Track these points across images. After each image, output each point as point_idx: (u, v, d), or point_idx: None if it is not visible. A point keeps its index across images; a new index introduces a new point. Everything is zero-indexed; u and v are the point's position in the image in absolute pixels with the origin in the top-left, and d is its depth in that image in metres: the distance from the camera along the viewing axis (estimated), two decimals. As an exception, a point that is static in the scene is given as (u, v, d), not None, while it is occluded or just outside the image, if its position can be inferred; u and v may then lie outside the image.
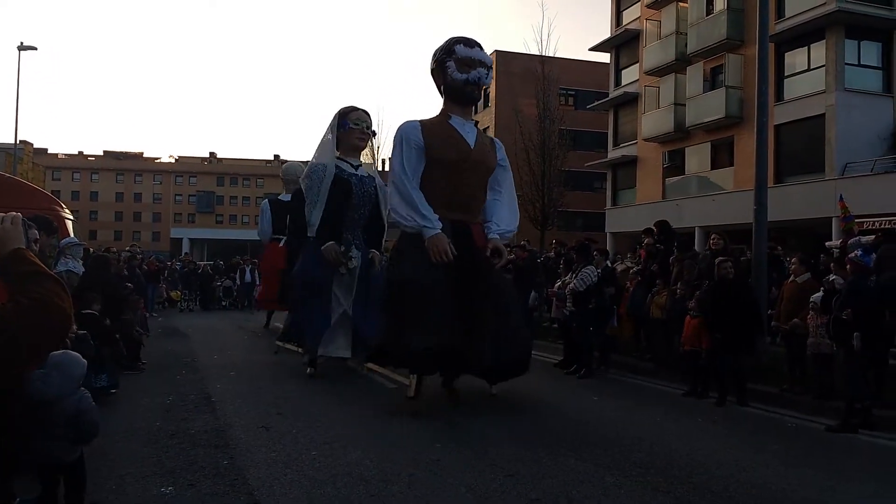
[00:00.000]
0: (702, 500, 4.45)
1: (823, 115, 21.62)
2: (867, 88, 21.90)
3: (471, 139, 7.59)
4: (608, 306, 9.75)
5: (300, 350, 9.90)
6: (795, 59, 22.98)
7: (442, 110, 7.84)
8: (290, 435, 5.95)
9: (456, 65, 7.53)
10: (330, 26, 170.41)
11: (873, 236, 9.65)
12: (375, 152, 10.61)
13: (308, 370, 9.11)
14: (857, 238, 9.23)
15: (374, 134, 10.16)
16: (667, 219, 12.45)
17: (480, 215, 7.81)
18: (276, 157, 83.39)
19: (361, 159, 10.24)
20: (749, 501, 4.48)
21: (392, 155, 7.56)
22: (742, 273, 8.63)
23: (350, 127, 9.58)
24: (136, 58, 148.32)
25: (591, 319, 9.49)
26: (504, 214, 7.84)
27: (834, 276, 7.35)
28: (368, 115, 9.85)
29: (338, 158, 9.51)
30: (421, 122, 7.60)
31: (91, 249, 12.98)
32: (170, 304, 22.40)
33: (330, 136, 9.59)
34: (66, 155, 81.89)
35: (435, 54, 7.79)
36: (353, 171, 9.55)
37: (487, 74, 7.70)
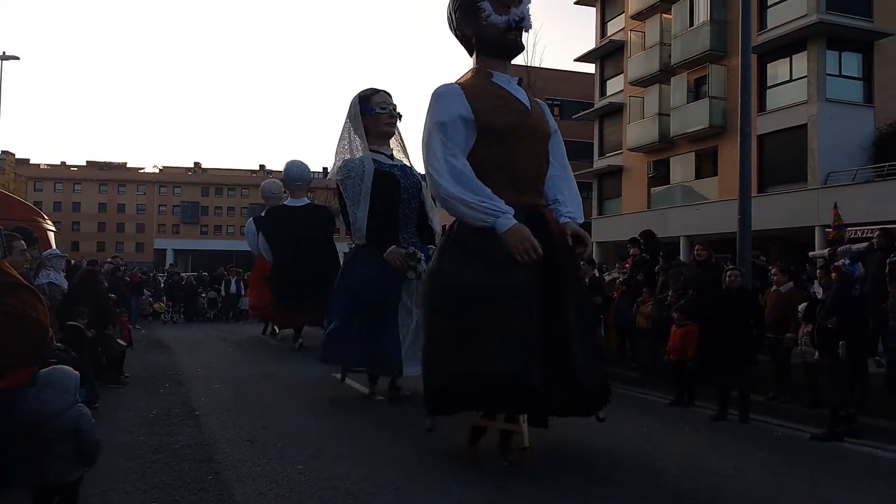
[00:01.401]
0: (689, 511, 4.45)
1: (806, 125, 21.91)
2: (848, 99, 22.23)
3: (524, 99, 5.83)
4: (595, 316, 9.79)
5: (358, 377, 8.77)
6: (778, 69, 23.28)
7: (477, 68, 5.91)
8: (276, 448, 5.89)
9: (492, 5, 5.64)
10: (315, 34, 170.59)
11: (865, 244, 9.73)
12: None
13: (378, 397, 8.27)
14: (848, 246, 9.31)
15: (400, 117, 8.86)
16: (652, 228, 12.53)
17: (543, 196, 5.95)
18: (262, 166, 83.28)
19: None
20: (736, 511, 4.48)
21: (426, 130, 5.52)
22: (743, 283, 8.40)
23: (376, 112, 8.49)
24: (119, 67, 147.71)
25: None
26: (571, 195, 5.94)
27: (816, 287, 7.40)
28: (390, 95, 8.75)
29: (371, 150, 8.44)
30: (460, 84, 5.77)
31: (73, 261, 12.84)
32: (154, 316, 22.21)
33: (352, 126, 8.54)
34: (48, 165, 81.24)
35: None
36: (391, 161, 8.54)
37: (529, 14, 5.79)
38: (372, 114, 8.49)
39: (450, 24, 6.01)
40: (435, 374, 5.45)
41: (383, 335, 7.86)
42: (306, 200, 15.28)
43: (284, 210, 15.08)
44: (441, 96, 5.55)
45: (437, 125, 5.40)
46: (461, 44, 6.06)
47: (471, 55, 6.00)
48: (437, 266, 5.62)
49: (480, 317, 5.14)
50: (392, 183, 8.24)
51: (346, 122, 8.66)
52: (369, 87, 8.76)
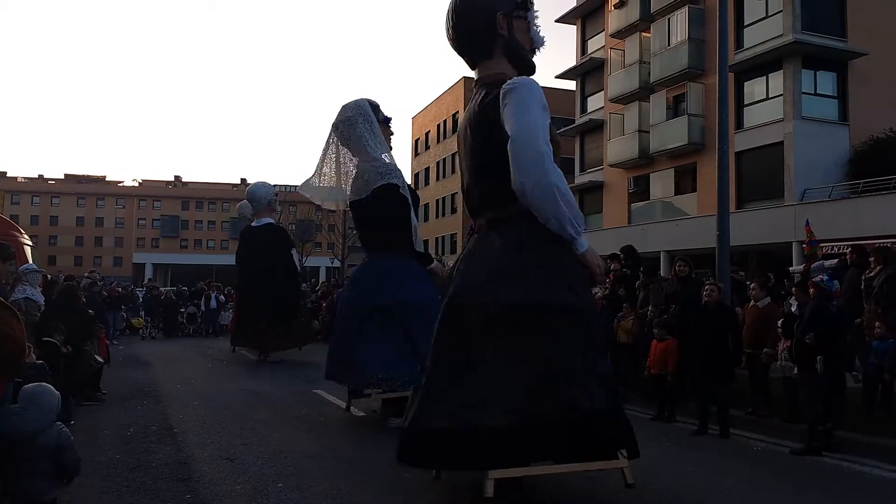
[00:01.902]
0: (671, 527, 4.45)
1: (782, 142, 22.27)
2: (824, 117, 22.65)
3: None
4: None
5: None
6: (754, 88, 23.69)
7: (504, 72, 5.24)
8: (256, 466, 5.82)
9: (533, 22, 5.27)
10: (294, 49, 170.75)
11: (836, 260, 9.88)
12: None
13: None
14: (821, 262, 9.45)
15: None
16: (632, 243, 12.63)
17: None
18: (243, 180, 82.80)
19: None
20: (717, 527, 4.49)
21: (530, 117, 4.72)
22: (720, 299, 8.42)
23: (386, 123, 8.54)
24: (97, 79, 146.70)
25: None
26: None
27: (793, 301, 7.48)
28: None
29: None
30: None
31: (49, 276, 12.66)
32: (131, 331, 21.89)
33: (368, 128, 8.21)
34: (25, 178, 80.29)
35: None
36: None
37: None
38: (383, 123, 8.47)
39: (476, 19, 5.17)
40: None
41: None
42: (266, 220, 15.45)
43: (250, 231, 15.36)
44: (539, 89, 4.88)
45: (543, 109, 4.81)
46: (478, 43, 5.26)
47: (481, 58, 5.31)
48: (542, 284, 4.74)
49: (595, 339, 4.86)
50: (414, 193, 8.48)
51: (361, 128, 8.24)
52: (362, 97, 8.60)
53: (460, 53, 5.40)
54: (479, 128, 5.06)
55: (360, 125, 8.23)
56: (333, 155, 8.65)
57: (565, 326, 4.65)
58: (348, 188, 8.52)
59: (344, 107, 8.47)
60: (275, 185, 16.61)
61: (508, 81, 4.91)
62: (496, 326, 4.64)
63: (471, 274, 4.93)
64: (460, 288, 4.91)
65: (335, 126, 8.46)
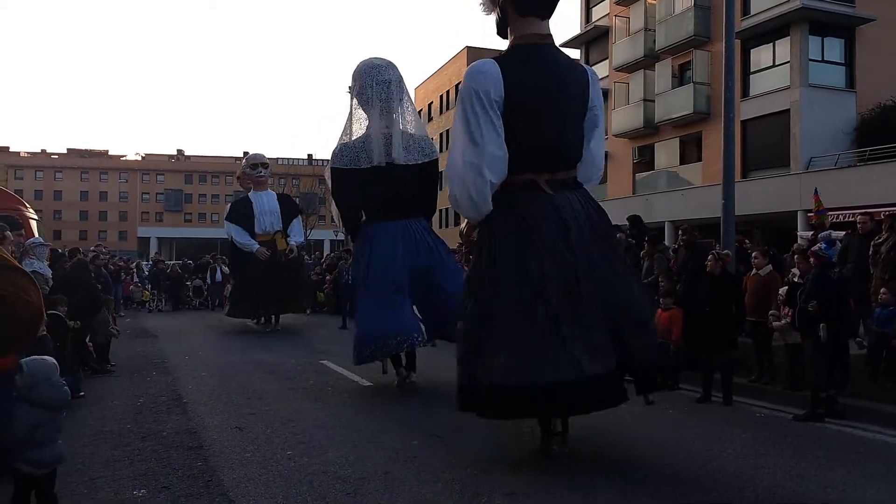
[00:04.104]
0: (673, 489, 4.52)
1: (788, 110, 22.05)
2: (831, 84, 22.37)
3: None
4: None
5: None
6: (761, 55, 23.37)
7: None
8: (265, 435, 5.90)
9: None
10: (298, 22, 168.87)
11: (843, 233, 9.85)
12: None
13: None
14: (829, 232, 9.42)
15: None
16: (638, 213, 12.60)
17: None
18: (245, 153, 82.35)
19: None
20: (718, 490, 4.56)
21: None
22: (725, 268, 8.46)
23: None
24: (98, 53, 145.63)
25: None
26: None
27: (796, 270, 7.48)
28: None
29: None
30: None
31: (59, 250, 12.72)
32: (139, 304, 22.09)
33: (400, 95, 8.58)
34: (28, 153, 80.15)
35: None
36: None
37: None
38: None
39: None
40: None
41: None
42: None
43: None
44: None
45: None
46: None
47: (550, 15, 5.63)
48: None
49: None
50: None
51: (406, 95, 8.65)
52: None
53: (557, 2, 5.60)
54: (581, 95, 5.49)
55: (401, 87, 8.58)
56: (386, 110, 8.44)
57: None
58: (390, 147, 8.32)
59: (390, 65, 8.58)
60: (277, 158, 16.58)
61: (588, 68, 5.78)
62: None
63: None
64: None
65: (386, 83, 8.41)
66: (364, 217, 8.58)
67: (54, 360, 3.89)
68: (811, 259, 7.04)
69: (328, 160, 8.96)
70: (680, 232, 9.37)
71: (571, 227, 5.13)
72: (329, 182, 8.75)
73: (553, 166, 5.37)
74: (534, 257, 5.03)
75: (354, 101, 8.61)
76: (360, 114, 8.59)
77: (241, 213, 14.79)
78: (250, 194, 15.09)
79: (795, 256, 7.96)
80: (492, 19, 5.68)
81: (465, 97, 5.21)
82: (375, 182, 8.20)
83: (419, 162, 8.41)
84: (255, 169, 15.17)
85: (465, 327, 5.27)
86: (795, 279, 7.57)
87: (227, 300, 17.44)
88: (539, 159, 5.31)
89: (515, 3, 5.38)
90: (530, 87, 5.24)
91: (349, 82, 8.70)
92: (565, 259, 5.02)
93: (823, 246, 6.99)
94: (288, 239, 14.82)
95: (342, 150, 8.45)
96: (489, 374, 4.89)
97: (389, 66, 8.56)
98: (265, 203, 14.85)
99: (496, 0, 5.50)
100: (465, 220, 5.74)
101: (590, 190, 5.69)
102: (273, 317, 15.15)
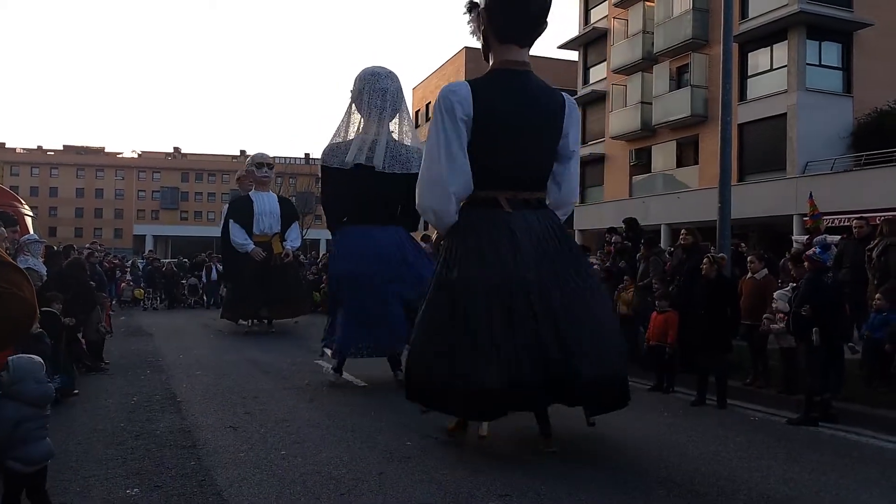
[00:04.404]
0: (667, 493, 4.52)
1: (785, 114, 22.10)
2: (828, 88, 22.43)
3: None
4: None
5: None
6: (758, 59, 23.43)
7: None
8: (259, 435, 5.89)
9: None
10: (295, 19, 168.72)
11: (839, 237, 9.87)
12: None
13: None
14: (824, 236, 9.43)
15: None
16: (634, 216, 12.60)
17: None
18: (242, 152, 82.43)
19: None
20: (713, 493, 4.56)
21: None
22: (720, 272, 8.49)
23: None
24: (96, 50, 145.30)
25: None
26: None
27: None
28: None
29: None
30: None
31: (55, 247, 12.69)
32: (133, 302, 22.02)
33: (399, 105, 8.95)
34: (24, 149, 79.91)
35: None
36: None
37: None
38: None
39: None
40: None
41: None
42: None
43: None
44: None
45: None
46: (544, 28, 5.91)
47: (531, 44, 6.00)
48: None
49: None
50: None
51: (362, 99, 8.74)
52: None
53: (538, 33, 5.86)
54: (555, 121, 5.81)
55: (399, 97, 8.81)
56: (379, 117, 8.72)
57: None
58: (372, 152, 8.58)
59: (390, 75, 8.81)
60: (273, 157, 16.44)
61: (567, 97, 5.96)
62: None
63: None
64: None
65: (382, 91, 8.65)
66: (346, 219, 8.81)
67: (41, 360, 3.89)
68: (805, 263, 7.05)
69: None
70: (683, 231, 9.37)
71: (522, 245, 5.45)
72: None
73: (516, 185, 5.71)
74: (482, 270, 5.38)
75: (353, 104, 8.89)
76: (356, 117, 8.88)
77: (241, 212, 14.62)
78: (251, 193, 14.92)
79: (789, 263, 7.99)
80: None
81: (436, 114, 5.60)
82: (354, 182, 8.49)
83: (398, 172, 8.54)
84: (260, 168, 14.99)
85: (419, 324, 5.70)
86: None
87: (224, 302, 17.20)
88: (503, 178, 5.68)
89: (496, 30, 5.75)
90: (500, 109, 5.58)
91: (351, 85, 8.96)
92: (511, 274, 5.34)
93: (818, 250, 7.00)
94: (284, 243, 14.72)
95: (333, 149, 8.74)
96: (429, 373, 5.47)
97: (389, 76, 8.81)
98: (266, 204, 14.68)
99: (480, 27, 5.87)
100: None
101: (561, 216, 6.06)
102: (266, 320, 15.01)
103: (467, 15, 5.97)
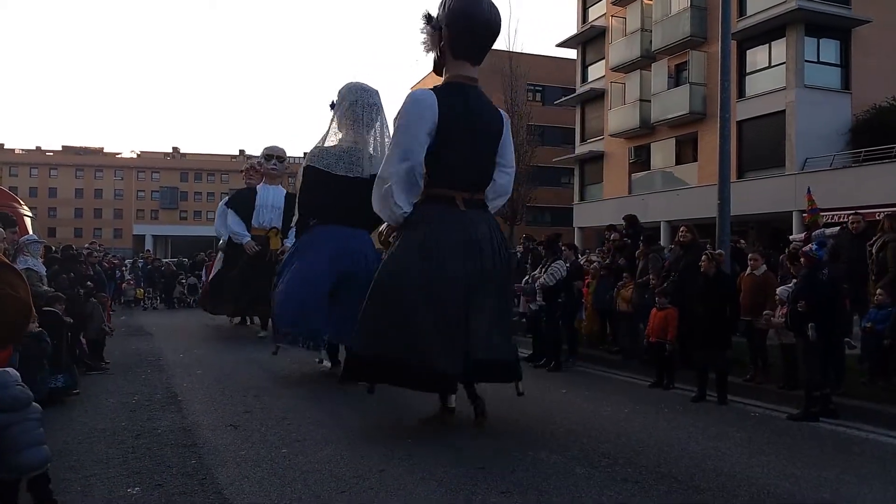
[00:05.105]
0: (668, 489, 4.53)
1: (784, 111, 22.11)
2: (826, 85, 22.44)
3: None
4: (576, 300, 9.92)
5: None
6: (757, 56, 23.42)
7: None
8: (260, 433, 5.89)
9: None
10: (294, 19, 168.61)
11: (837, 228, 9.86)
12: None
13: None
14: (822, 231, 9.43)
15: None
16: (633, 213, 12.61)
17: None
18: (242, 152, 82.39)
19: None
20: (713, 489, 4.57)
21: None
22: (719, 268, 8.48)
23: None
24: (95, 50, 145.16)
25: (560, 313, 9.60)
26: None
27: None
28: None
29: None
30: None
31: (54, 248, 12.69)
32: (134, 302, 22.01)
33: (379, 120, 9.31)
34: (23, 150, 79.81)
35: None
36: None
37: None
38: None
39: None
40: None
41: None
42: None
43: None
44: None
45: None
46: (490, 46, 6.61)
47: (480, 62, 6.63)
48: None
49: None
50: None
51: (353, 110, 9.11)
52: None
53: (487, 50, 6.52)
54: (497, 133, 6.50)
55: (383, 114, 9.33)
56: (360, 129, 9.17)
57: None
58: (361, 161, 9.02)
59: (376, 92, 9.36)
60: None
61: (503, 113, 6.72)
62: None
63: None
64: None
65: (372, 107, 9.19)
66: (315, 220, 9.08)
67: (16, 371, 3.85)
68: (801, 259, 7.05)
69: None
70: (683, 229, 9.38)
71: (473, 242, 6.09)
72: (300, 179, 9.35)
73: (470, 187, 6.35)
74: (425, 263, 5.95)
75: (340, 114, 9.24)
76: (345, 127, 9.22)
77: (242, 202, 14.25)
78: (258, 186, 14.52)
79: (786, 260, 7.99)
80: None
81: (402, 117, 6.17)
82: (338, 188, 8.81)
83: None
84: (268, 160, 14.50)
85: (366, 305, 6.17)
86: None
87: (206, 287, 16.09)
88: (459, 179, 6.31)
89: (452, 47, 6.36)
90: (459, 118, 6.19)
91: (335, 97, 9.36)
92: (455, 268, 5.95)
93: (814, 247, 7.01)
94: (284, 240, 14.47)
95: (322, 152, 9.10)
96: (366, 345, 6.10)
97: (376, 93, 9.42)
98: (270, 197, 14.20)
99: (437, 42, 6.43)
100: (385, 224, 6.70)
101: (493, 210, 6.75)
102: (257, 318, 14.45)
103: (425, 27, 6.51)
